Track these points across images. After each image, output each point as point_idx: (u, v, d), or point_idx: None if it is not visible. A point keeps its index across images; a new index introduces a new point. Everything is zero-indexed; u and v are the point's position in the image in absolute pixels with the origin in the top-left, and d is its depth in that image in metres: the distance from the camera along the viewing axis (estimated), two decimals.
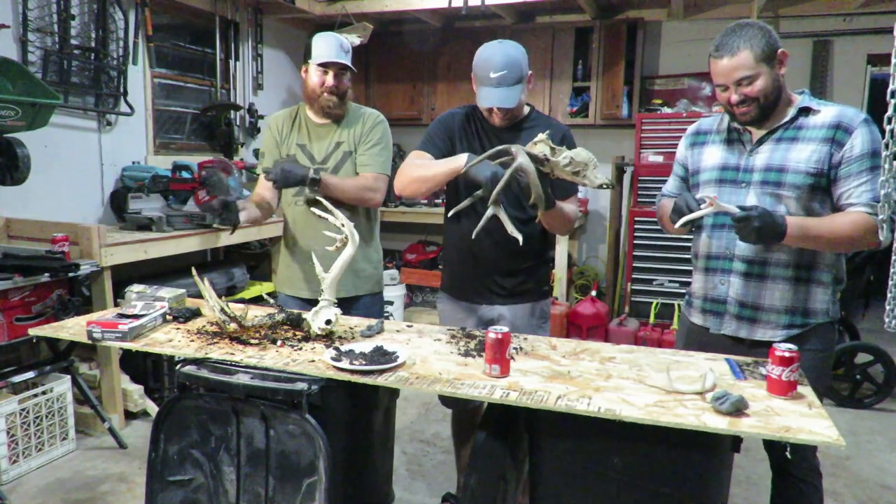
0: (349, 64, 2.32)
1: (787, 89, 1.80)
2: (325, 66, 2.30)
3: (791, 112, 1.78)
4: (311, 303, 2.14)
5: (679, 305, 4.36)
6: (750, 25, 1.71)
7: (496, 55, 1.99)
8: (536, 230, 2.10)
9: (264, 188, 2.45)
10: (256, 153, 4.50)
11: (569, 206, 2.07)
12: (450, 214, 1.94)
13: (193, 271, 2.03)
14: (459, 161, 1.91)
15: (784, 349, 1.46)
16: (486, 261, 2.14)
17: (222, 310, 1.84)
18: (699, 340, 1.94)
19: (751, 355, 1.78)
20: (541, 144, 1.77)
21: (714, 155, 1.91)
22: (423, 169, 2.02)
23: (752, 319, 1.85)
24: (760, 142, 1.81)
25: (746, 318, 1.85)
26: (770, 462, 1.93)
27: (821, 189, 1.75)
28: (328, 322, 1.86)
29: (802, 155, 1.74)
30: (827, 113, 1.75)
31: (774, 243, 1.72)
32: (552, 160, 1.76)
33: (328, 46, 2.30)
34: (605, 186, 1.76)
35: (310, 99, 2.36)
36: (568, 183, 2.02)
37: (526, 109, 2.15)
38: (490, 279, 2.16)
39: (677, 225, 1.76)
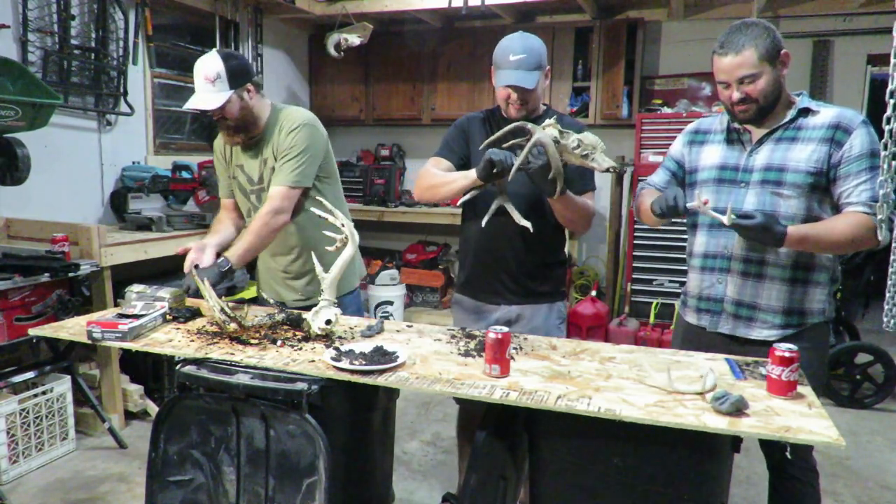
0: (212, 98, 2.09)
1: (788, 90, 1.80)
2: None
3: (791, 112, 1.79)
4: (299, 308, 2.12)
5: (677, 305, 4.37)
6: (756, 24, 1.72)
7: (516, 41, 2.02)
8: (550, 227, 2.11)
9: (228, 209, 2.43)
10: None
11: (585, 201, 2.07)
12: (460, 202, 2.01)
13: (194, 272, 2.03)
14: (472, 174, 1.95)
15: (784, 349, 1.46)
16: (503, 259, 2.14)
17: (222, 310, 1.84)
18: (696, 340, 1.95)
19: (747, 353, 1.79)
20: (550, 128, 1.80)
21: (713, 154, 1.91)
22: (440, 178, 2.07)
23: (748, 318, 1.85)
24: (760, 142, 1.81)
25: (743, 318, 1.86)
26: (767, 462, 1.93)
27: (820, 188, 1.76)
28: (328, 322, 1.87)
29: (802, 155, 1.75)
30: (826, 114, 1.76)
31: (772, 246, 1.73)
32: (562, 143, 1.78)
33: (196, 83, 2.12)
34: (612, 170, 1.79)
35: None
36: (582, 180, 2.06)
37: (542, 108, 2.15)
38: (507, 277, 2.16)
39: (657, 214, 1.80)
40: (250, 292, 4.19)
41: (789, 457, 1.88)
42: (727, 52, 1.72)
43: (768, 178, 1.79)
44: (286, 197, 2.17)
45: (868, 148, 1.70)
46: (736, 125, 1.85)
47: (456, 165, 2.15)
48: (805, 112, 1.78)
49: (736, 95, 1.74)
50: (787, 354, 1.45)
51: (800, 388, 1.50)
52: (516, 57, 1.98)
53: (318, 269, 1.93)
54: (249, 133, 2.23)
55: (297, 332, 1.91)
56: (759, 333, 1.85)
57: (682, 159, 2.00)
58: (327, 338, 1.87)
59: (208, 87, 2.11)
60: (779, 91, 1.75)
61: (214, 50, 2.19)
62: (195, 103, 2.12)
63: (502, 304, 2.19)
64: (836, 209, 1.77)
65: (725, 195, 1.84)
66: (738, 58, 1.70)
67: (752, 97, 1.73)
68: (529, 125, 1.84)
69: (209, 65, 2.11)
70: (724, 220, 1.67)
